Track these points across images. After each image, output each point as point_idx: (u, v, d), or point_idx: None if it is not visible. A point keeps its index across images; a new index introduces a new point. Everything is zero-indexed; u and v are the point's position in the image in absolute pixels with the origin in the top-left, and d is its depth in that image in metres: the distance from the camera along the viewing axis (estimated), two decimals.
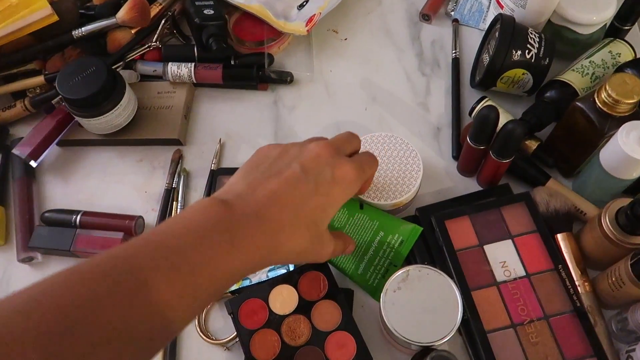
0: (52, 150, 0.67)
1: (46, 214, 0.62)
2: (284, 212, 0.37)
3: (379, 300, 0.54)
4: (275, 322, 0.53)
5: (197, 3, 0.70)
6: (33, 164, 0.65)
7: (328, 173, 0.39)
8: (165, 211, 0.63)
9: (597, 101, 0.51)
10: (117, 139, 0.66)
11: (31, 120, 0.70)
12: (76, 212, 0.62)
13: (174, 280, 0.31)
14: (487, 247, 0.55)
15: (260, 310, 0.54)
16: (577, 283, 0.53)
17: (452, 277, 0.50)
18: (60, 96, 0.64)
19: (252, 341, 0.52)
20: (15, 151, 0.64)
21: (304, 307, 0.54)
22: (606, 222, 0.50)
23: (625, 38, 0.64)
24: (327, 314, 0.54)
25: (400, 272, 0.49)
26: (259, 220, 0.36)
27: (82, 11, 0.71)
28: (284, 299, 0.54)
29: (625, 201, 0.49)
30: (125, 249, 0.32)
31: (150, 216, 0.63)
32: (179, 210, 0.63)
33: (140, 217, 0.62)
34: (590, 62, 0.61)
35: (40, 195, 0.66)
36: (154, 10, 0.73)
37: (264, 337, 0.52)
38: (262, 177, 0.39)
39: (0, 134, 0.69)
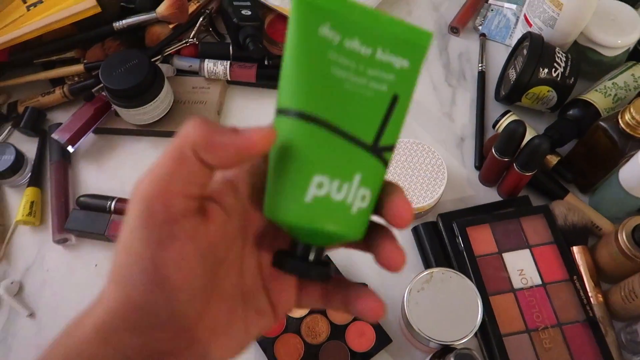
0: (88, 137, 0.70)
1: (82, 198, 0.65)
2: None
3: None
4: (293, 325, 0.56)
5: (235, 3, 0.72)
6: (70, 149, 0.67)
7: None
8: None
9: (620, 122, 0.53)
10: (151, 130, 0.69)
11: (67, 107, 0.73)
12: (111, 198, 0.64)
13: None
14: (505, 255, 0.57)
15: None
16: (590, 294, 0.55)
17: (471, 281, 0.52)
18: (101, 85, 0.66)
19: (276, 348, 0.55)
20: (54, 136, 0.66)
21: None
22: (622, 238, 0.52)
23: None
24: None
25: (424, 273, 0.51)
26: None
27: (123, 4, 0.73)
28: None
29: None
30: None
31: None
32: None
33: None
34: (613, 83, 0.63)
35: (74, 179, 0.68)
36: (192, 7, 0.75)
37: (286, 342, 0.55)
38: None
39: (38, 119, 0.71)
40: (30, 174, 0.68)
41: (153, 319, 0.22)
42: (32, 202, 0.65)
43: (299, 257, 0.25)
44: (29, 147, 0.70)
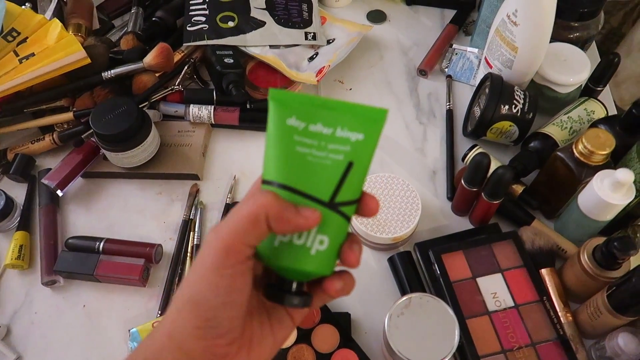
0: (76, 181, 0.72)
1: (70, 240, 0.66)
2: None
3: None
4: (279, 356, 0.57)
5: (218, 52, 0.77)
6: (59, 193, 0.69)
7: None
8: (182, 240, 0.68)
9: (575, 152, 0.58)
10: (139, 172, 0.72)
11: (55, 153, 0.76)
12: (99, 239, 0.66)
13: None
14: (479, 280, 0.61)
15: None
16: (560, 314, 0.58)
17: (448, 306, 0.55)
18: (90, 131, 0.70)
19: None
20: (44, 181, 0.69)
21: (304, 336, 0.59)
22: (584, 259, 0.56)
23: (598, 98, 0.73)
24: (327, 336, 0.59)
25: (403, 298, 0.54)
26: None
27: (112, 55, 0.78)
28: None
29: (601, 240, 0.56)
30: None
31: (169, 245, 0.68)
32: (195, 239, 0.68)
33: (160, 245, 0.66)
34: (568, 117, 0.69)
35: (63, 223, 0.70)
36: (177, 56, 0.80)
37: None
38: None
39: (27, 165, 0.73)
40: (19, 219, 0.69)
41: (218, 330, 0.29)
42: (21, 246, 0.66)
43: (280, 289, 0.31)
44: (19, 192, 0.72)
